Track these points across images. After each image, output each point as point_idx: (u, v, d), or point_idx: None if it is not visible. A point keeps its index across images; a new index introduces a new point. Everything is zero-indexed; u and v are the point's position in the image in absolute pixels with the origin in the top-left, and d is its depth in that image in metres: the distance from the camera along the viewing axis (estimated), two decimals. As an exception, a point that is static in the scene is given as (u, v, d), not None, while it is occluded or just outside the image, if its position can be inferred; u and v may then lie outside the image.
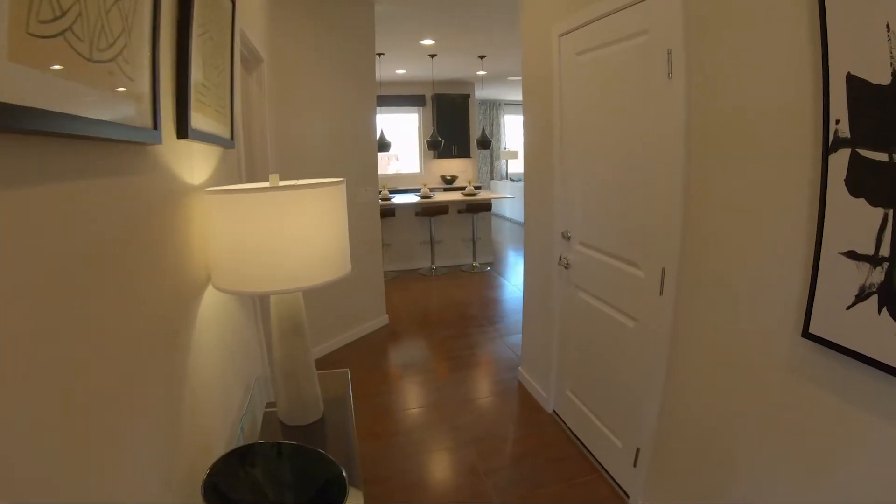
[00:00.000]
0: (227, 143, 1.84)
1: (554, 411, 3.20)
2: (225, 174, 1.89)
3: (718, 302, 1.73)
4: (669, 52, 1.82)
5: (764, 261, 1.52)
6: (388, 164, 11.13)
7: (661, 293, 2.02)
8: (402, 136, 10.73)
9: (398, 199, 7.05)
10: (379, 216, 4.80)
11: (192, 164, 1.39)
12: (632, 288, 2.23)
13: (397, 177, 10.42)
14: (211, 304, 1.49)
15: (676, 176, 1.85)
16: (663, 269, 1.98)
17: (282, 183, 1.65)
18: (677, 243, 1.88)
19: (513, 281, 6.46)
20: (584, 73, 2.48)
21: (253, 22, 2.87)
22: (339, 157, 4.33)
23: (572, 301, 2.79)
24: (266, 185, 1.55)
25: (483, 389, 3.69)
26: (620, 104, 2.20)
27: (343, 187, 1.59)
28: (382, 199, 6.84)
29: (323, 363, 4.15)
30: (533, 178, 3.28)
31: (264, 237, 1.35)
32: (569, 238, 2.75)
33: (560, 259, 2.83)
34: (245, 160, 2.57)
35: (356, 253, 4.73)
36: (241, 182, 2.13)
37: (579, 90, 2.54)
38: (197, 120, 1.37)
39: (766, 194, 1.50)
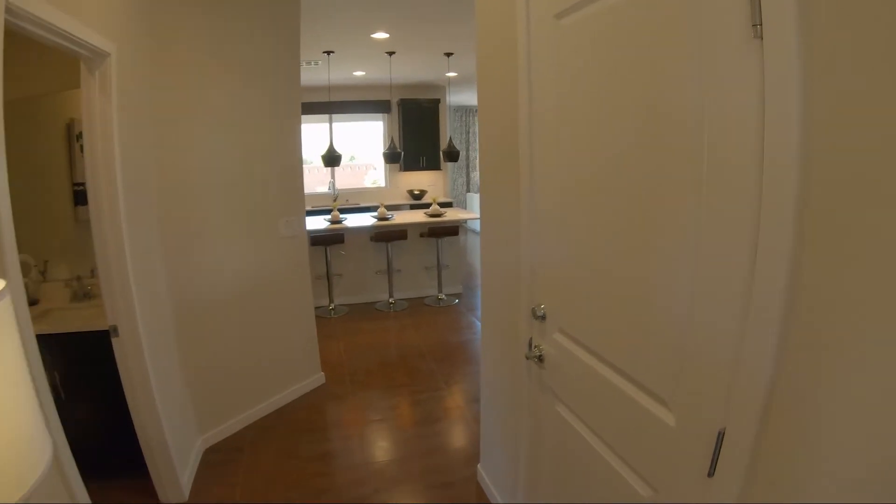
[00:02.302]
0: None
1: (523, 545, 2.21)
2: None
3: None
4: (753, -13, 0.84)
5: None
6: (364, 175, 10.11)
7: (711, 472, 1.03)
8: (370, 146, 9.73)
9: (351, 220, 6.03)
10: (307, 251, 3.78)
11: None
12: (651, 436, 1.24)
13: (366, 192, 9.38)
14: None
15: (774, 247, 0.85)
16: (721, 433, 1.00)
17: None
18: (761, 389, 0.90)
19: (483, 318, 5.48)
20: (571, 48, 1.46)
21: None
22: (251, 182, 3.32)
23: (547, 413, 1.80)
24: None
25: (431, 494, 2.70)
26: (641, 102, 1.19)
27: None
28: (332, 222, 5.83)
29: (216, 450, 3.13)
30: (489, 216, 2.29)
31: None
32: (542, 318, 1.75)
33: (530, 348, 1.84)
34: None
35: (277, 301, 3.58)
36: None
37: (562, 78, 1.52)
38: None
39: None
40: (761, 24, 0.84)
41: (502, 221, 2.10)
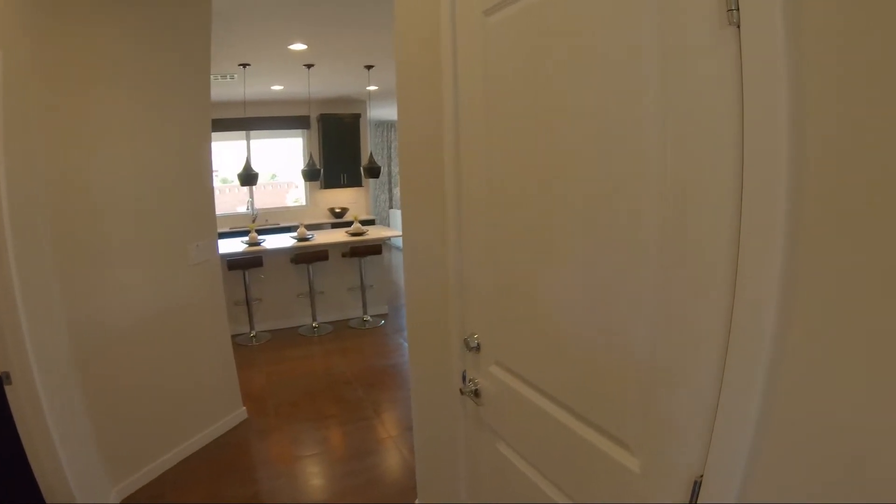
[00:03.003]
0: None
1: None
2: None
3: None
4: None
5: None
6: (286, 193, 9.69)
7: (679, 523, 0.95)
8: (291, 164, 9.35)
9: (270, 242, 5.73)
10: (221, 277, 3.51)
11: None
12: (612, 483, 1.15)
13: (287, 211, 8.99)
14: None
15: (757, 274, 0.77)
16: (698, 482, 0.91)
17: None
18: (747, 433, 0.81)
19: (412, 338, 5.32)
20: (504, 48, 1.33)
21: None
22: (156, 205, 3.01)
23: (487, 452, 1.69)
24: None
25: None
26: (588, 107, 1.06)
27: None
28: (250, 244, 5.51)
29: (133, 501, 2.81)
30: (412, 238, 2.17)
31: None
32: (476, 349, 1.64)
33: (464, 382, 1.72)
34: None
35: (191, 333, 3.25)
36: None
37: (493, 82, 1.39)
38: None
39: None
40: (737, 9, 0.73)
41: (426, 243, 1.96)
